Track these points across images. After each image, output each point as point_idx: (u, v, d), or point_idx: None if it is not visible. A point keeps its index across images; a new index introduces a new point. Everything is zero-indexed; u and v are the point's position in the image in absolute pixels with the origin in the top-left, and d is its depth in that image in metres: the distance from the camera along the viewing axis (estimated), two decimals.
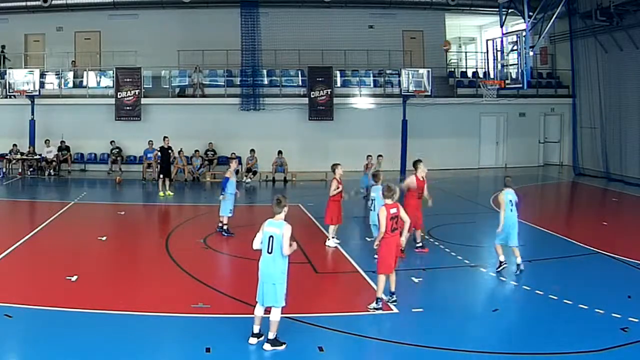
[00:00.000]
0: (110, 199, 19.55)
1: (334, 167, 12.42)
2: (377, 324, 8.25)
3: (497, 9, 21.48)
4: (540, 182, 24.46)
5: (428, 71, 24.14)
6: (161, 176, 18.82)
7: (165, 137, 19.12)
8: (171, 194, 18.77)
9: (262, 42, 24.25)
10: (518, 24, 22.32)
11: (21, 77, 22.86)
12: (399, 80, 24.60)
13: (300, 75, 25.49)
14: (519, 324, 8.42)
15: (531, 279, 10.26)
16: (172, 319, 8.23)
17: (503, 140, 26.93)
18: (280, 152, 23.02)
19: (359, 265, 10.68)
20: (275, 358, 7.15)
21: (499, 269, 10.36)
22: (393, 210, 8.51)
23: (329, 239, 12.37)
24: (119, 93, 23.56)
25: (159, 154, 19.41)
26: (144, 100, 23.75)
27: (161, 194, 18.64)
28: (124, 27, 24.87)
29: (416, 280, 9.83)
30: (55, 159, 23.00)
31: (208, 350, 7.16)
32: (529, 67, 19.38)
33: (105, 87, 24.57)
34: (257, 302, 7.31)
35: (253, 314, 7.36)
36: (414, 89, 23.93)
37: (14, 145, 22.78)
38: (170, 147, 19.07)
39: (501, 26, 20.72)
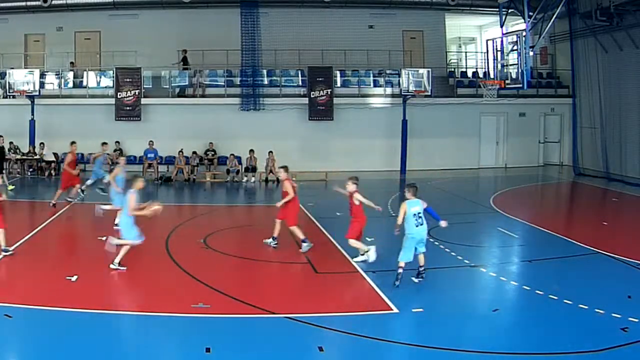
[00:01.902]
0: (110, 199, 19.47)
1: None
2: (377, 324, 8.24)
3: (497, 9, 21.48)
4: (540, 182, 24.47)
5: (428, 71, 24.14)
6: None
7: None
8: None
9: (262, 42, 24.22)
10: (518, 24, 22.31)
11: (21, 77, 22.82)
12: (399, 80, 24.60)
13: (300, 75, 25.45)
14: (519, 324, 8.41)
15: (531, 279, 10.28)
16: (172, 319, 8.23)
17: (503, 140, 26.94)
18: (270, 152, 22.66)
19: (359, 266, 10.67)
20: (275, 358, 7.16)
21: None
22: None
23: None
24: (119, 93, 23.55)
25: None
26: (144, 100, 23.73)
27: None
28: (124, 27, 24.88)
29: (416, 280, 9.82)
30: (55, 159, 22.96)
31: (208, 350, 7.15)
32: (529, 67, 19.38)
33: (105, 87, 24.51)
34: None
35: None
36: (414, 89, 23.94)
37: (11, 142, 22.63)
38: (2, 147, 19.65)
39: (501, 26, 20.72)
